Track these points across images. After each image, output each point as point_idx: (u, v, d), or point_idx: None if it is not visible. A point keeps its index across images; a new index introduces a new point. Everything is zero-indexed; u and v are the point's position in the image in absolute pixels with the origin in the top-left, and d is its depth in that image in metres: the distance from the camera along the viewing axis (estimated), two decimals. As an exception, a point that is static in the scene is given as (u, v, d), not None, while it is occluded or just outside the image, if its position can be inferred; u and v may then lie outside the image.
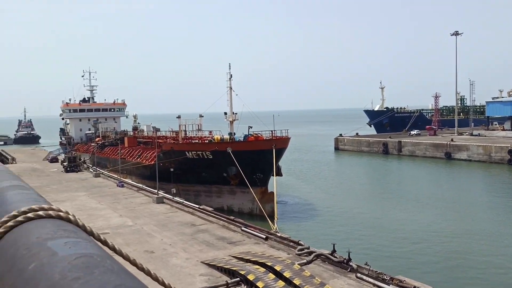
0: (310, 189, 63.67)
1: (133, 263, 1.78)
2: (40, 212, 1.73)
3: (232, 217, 36.42)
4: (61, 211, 1.79)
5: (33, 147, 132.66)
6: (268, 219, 38.57)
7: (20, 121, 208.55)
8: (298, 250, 27.21)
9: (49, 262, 1.19)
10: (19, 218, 1.71)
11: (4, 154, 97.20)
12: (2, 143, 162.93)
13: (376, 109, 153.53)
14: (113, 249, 1.79)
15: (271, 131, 52.54)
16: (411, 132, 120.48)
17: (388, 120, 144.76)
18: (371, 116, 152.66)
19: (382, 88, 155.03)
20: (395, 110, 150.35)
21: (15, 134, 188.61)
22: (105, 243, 1.76)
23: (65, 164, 71.99)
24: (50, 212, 1.74)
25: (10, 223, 1.70)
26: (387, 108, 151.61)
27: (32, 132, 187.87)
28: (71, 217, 1.75)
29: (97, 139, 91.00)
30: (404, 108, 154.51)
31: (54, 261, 1.19)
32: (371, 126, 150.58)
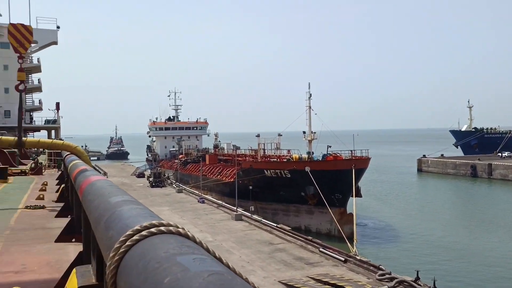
0: (391, 212, 61.22)
1: (246, 281, 1.83)
2: (162, 228, 1.84)
3: (310, 238, 35.99)
4: (179, 227, 1.90)
5: (123, 162, 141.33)
6: (347, 241, 37.60)
7: (111, 138, 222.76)
8: (379, 275, 26.18)
9: (183, 278, 1.26)
10: (143, 233, 1.83)
11: (97, 168, 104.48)
12: (96, 158, 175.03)
13: (463, 129, 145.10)
14: (227, 265, 1.85)
15: (351, 150, 51.54)
16: (502, 154, 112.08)
17: (477, 141, 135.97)
18: (457, 137, 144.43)
19: (470, 108, 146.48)
20: (485, 130, 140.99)
21: (107, 150, 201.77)
22: (220, 260, 1.83)
23: (150, 179, 75.84)
24: (171, 228, 1.84)
25: (135, 237, 1.83)
26: (475, 128, 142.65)
27: (122, 148, 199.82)
28: (189, 233, 1.84)
29: (180, 156, 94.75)
30: (495, 128, 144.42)
31: (189, 276, 1.25)
32: (457, 147, 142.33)
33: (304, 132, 58.51)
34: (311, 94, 57.83)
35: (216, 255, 1.81)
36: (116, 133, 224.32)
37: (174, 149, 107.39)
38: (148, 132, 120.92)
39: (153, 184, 73.01)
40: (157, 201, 57.25)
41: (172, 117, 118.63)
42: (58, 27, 63.68)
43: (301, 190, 50.97)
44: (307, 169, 48.75)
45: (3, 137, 13.08)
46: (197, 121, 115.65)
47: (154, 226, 1.88)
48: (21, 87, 13.11)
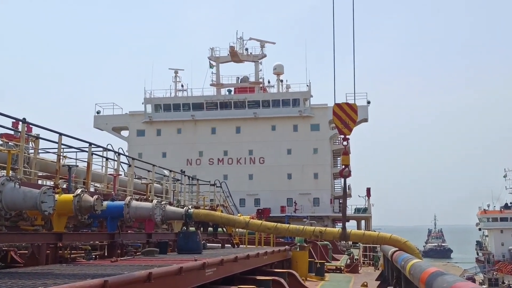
0: None
1: None
2: None
3: None
4: None
5: (445, 262, 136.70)
6: None
7: (429, 231, 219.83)
8: None
9: None
10: None
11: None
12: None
13: None
14: None
15: None
16: None
17: None
18: None
19: None
20: None
21: (424, 246, 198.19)
22: None
23: (484, 286, 70.95)
24: None
25: None
26: None
27: (443, 244, 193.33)
28: None
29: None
30: None
31: None
32: None
33: None
34: None
35: None
36: (435, 225, 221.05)
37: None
38: (477, 224, 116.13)
39: (488, 292, 67.90)
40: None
41: (509, 204, 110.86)
42: (368, 102, 68.98)
43: None
44: None
45: (328, 229, 14.54)
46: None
47: None
48: (345, 172, 14.46)
